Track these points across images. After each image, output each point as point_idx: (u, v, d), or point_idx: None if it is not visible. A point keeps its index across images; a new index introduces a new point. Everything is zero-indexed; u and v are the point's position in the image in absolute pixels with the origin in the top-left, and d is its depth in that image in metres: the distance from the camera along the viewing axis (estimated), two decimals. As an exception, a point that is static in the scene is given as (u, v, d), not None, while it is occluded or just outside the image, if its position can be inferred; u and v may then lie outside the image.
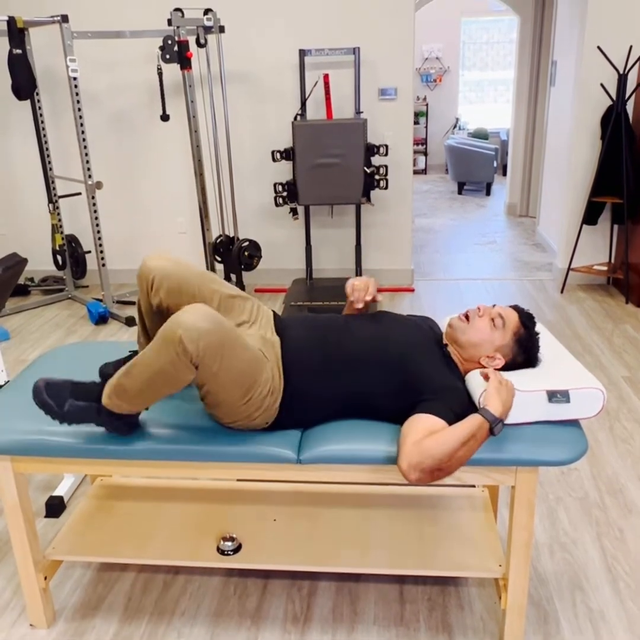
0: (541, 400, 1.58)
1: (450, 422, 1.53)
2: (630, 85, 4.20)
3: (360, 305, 1.82)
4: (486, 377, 1.58)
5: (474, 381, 1.66)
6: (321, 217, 4.82)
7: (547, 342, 1.81)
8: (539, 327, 1.86)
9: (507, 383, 1.55)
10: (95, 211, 4.15)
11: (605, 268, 4.55)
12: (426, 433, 1.50)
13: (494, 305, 1.77)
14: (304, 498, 2.07)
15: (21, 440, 1.65)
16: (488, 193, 8.23)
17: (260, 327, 1.78)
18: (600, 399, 1.58)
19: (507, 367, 1.70)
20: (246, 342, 1.58)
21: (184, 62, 4.05)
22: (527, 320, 1.74)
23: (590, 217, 4.47)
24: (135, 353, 1.84)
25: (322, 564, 1.82)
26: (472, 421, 1.48)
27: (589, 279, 4.77)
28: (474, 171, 8.11)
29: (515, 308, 1.78)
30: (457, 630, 1.86)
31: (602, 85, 4.22)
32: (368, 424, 1.67)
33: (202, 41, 4.10)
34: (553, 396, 1.57)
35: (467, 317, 1.74)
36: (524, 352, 1.71)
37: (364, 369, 1.66)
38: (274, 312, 1.87)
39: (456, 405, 1.59)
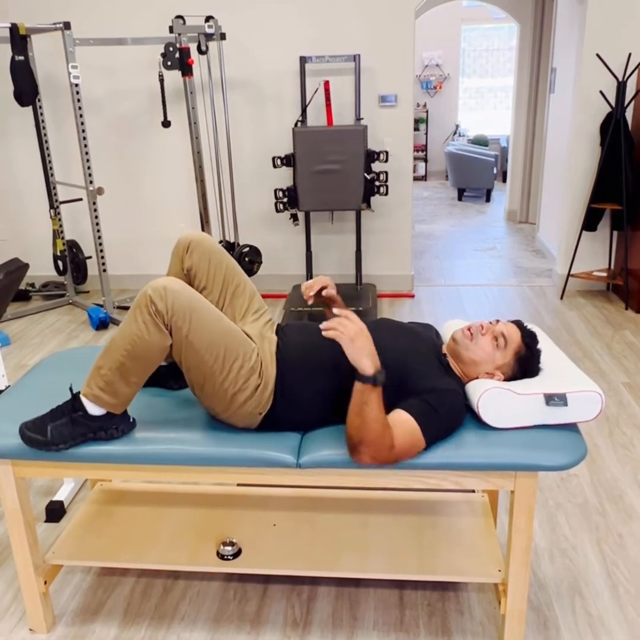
0: (539, 403, 1.59)
1: (419, 415, 1.55)
2: (629, 92, 4.22)
3: (309, 302, 1.89)
4: None
5: (472, 388, 1.67)
6: (321, 223, 4.83)
7: (545, 347, 1.82)
8: (537, 332, 1.87)
9: (354, 330, 1.49)
10: (96, 217, 4.16)
11: (604, 274, 4.56)
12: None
13: (497, 321, 1.76)
14: (303, 503, 2.07)
15: (22, 445, 1.65)
16: (488, 199, 8.25)
17: (263, 325, 1.85)
18: (599, 402, 1.59)
19: (505, 380, 1.71)
20: (220, 315, 1.64)
21: (185, 68, 4.07)
22: (529, 339, 1.73)
23: (590, 223, 4.48)
24: None
25: (322, 568, 1.82)
26: (355, 391, 1.50)
27: (588, 285, 4.78)
28: (474, 177, 8.13)
29: (518, 325, 1.76)
30: (456, 636, 1.86)
31: (601, 92, 4.24)
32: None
33: (203, 48, 4.12)
34: (550, 399, 1.58)
35: (471, 333, 1.73)
36: (523, 369, 1.71)
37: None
38: (278, 324, 1.93)
39: (437, 402, 1.58)
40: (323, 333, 1.51)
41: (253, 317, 1.86)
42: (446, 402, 1.60)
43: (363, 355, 1.48)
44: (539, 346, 1.74)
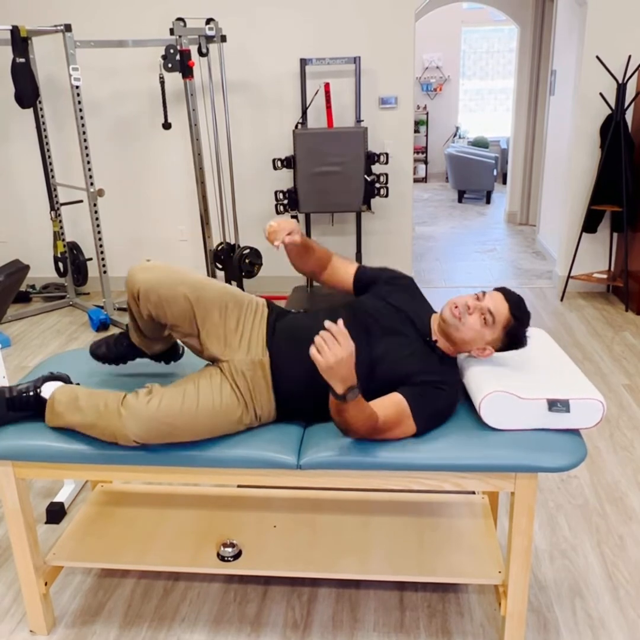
0: (541, 408, 1.59)
1: (413, 401, 1.60)
2: (629, 94, 4.22)
3: (277, 245, 1.72)
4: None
5: (474, 383, 1.67)
6: (322, 225, 4.84)
7: (551, 350, 1.81)
8: (542, 335, 1.86)
9: (335, 357, 1.41)
10: (96, 218, 4.17)
11: (604, 276, 4.56)
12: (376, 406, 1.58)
13: (483, 294, 1.71)
14: (304, 504, 2.07)
15: (22, 446, 1.66)
16: (488, 201, 8.25)
17: (249, 346, 1.72)
18: (600, 410, 1.59)
19: (496, 351, 1.73)
20: (198, 406, 1.62)
21: (186, 70, 4.07)
22: (517, 311, 1.69)
23: (590, 225, 4.48)
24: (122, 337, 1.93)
25: (322, 570, 1.82)
26: (330, 400, 1.52)
27: (588, 286, 4.78)
28: (474, 179, 8.14)
29: (505, 295, 1.71)
30: (457, 637, 1.86)
31: (601, 94, 4.25)
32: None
33: (204, 50, 4.13)
34: (553, 405, 1.58)
35: (459, 312, 1.68)
36: (512, 340, 1.71)
37: None
38: (268, 309, 1.81)
39: (433, 394, 1.63)
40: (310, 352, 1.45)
41: (239, 338, 1.73)
42: (442, 395, 1.64)
43: (336, 379, 1.45)
44: (526, 313, 1.71)
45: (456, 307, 1.69)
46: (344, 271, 1.93)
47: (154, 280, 1.66)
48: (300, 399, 1.71)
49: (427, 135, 9.77)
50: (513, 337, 1.71)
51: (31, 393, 1.73)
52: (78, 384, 1.83)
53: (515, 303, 1.70)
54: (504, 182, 9.17)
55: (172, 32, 4.02)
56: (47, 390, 1.74)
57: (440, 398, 1.65)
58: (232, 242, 4.73)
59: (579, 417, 1.60)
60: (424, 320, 1.79)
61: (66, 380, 1.82)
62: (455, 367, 1.78)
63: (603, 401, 1.59)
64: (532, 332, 1.88)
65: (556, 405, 1.58)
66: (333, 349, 1.42)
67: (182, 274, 1.71)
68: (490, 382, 1.66)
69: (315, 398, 1.66)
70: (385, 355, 1.70)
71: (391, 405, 1.59)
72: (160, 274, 1.67)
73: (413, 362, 1.68)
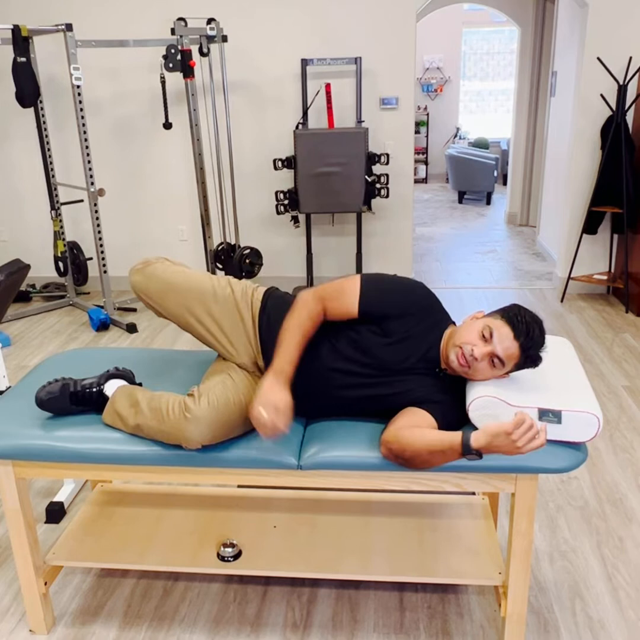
0: (531, 417, 1.52)
1: (438, 422, 1.61)
2: (630, 95, 4.23)
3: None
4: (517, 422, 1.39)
5: (470, 385, 1.66)
6: (322, 225, 4.84)
7: (567, 360, 1.76)
8: (565, 345, 1.83)
9: (516, 437, 1.37)
10: (97, 218, 4.17)
11: (605, 277, 4.56)
12: (413, 424, 1.57)
13: (490, 333, 1.58)
14: (304, 505, 2.07)
15: (23, 445, 1.65)
16: (488, 202, 8.25)
17: (246, 352, 1.78)
18: (595, 425, 1.53)
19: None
20: (245, 403, 1.66)
21: (187, 70, 4.08)
22: (527, 346, 1.58)
23: (590, 226, 4.49)
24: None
25: (322, 571, 1.82)
26: (449, 438, 1.46)
27: (589, 288, 4.78)
28: (474, 180, 8.14)
29: (514, 329, 1.58)
30: (457, 638, 1.86)
31: (602, 95, 4.25)
32: (369, 430, 1.68)
33: (205, 50, 4.14)
34: (544, 414, 1.54)
35: (466, 362, 1.60)
36: (525, 367, 1.65)
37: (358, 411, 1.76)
38: (261, 306, 1.79)
39: (448, 413, 1.65)
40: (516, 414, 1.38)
41: (236, 342, 1.78)
42: (448, 413, 1.66)
43: (489, 439, 1.40)
44: (539, 342, 1.62)
45: (462, 354, 1.60)
46: (344, 312, 1.72)
47: (143, 286, 1.78)
48: (301, 403, 1.75)
49: (427, 136, 9.78)
50: (525, 365, 1.64)
51: (94, 389, 1.75)
52: (140, 384, 1.84)
53: (526, 338, 1.58)
54: (505, 183, 9.17)
55: (173, 32, 4.02)
56: (110, 388, 1.76)
57: (448, 412, 1.66)
58: (233, 242, 4.73)
59: (571, 430, 1.54)
60: (436, 348, 1.71)
61: (130, 377, 1.83)
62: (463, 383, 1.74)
63: (599, 416, 1.53)
64: (555, 340, 1.86)
65: (547, 415, 1.53)
66: (527, 445, 1.38)
67: (171, 282, 1.76)
68: (482, 387, 1.61)
69: (312, 405, 1.76)
70: (393, 395, 1.69)
71: (426, 426, 1.60)
72: (150, 283, 1.77)
73: (424, 393, 1.68)
